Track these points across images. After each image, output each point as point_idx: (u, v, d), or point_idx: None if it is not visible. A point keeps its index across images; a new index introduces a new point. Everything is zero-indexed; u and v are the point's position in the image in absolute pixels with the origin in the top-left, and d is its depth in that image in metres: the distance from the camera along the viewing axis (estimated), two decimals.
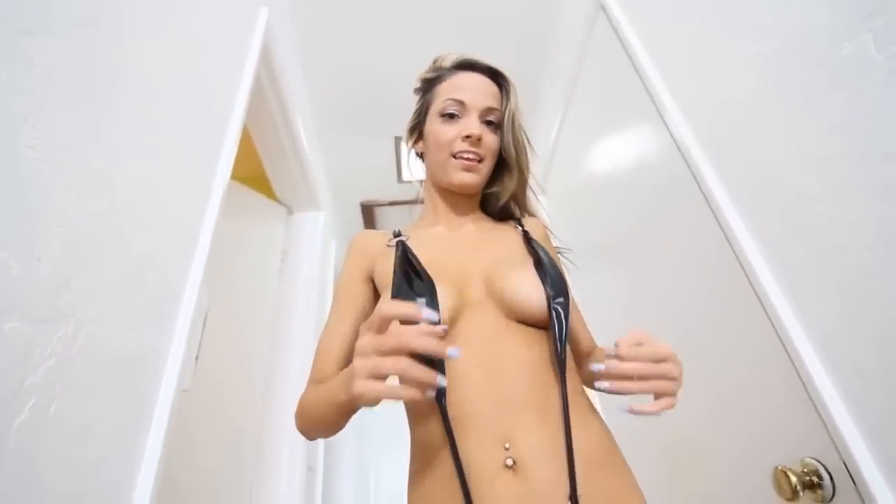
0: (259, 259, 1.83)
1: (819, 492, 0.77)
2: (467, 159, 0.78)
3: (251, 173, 1.98)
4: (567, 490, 0.55)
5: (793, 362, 0.82)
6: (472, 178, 0.80)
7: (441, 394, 0.59)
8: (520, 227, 0.86)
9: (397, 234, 0.82)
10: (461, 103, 0.80)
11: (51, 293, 0.57)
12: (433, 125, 0.83)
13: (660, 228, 1.27)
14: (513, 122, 0.82)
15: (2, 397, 0.49)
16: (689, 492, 1.16)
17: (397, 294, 0.67)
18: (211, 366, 1.50)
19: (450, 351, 0.48)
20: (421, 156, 0.91)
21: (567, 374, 0.64)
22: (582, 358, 0.81)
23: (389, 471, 2.69)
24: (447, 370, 0.60)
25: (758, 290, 0.89)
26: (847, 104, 0.72)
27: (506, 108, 0.83)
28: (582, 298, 1.79)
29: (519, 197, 0.88)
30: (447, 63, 0.87)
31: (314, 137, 2.20)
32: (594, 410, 0.69)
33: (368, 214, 2.71)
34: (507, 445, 0.57)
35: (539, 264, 0.72)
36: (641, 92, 1.30)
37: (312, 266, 1.94)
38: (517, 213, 0.90)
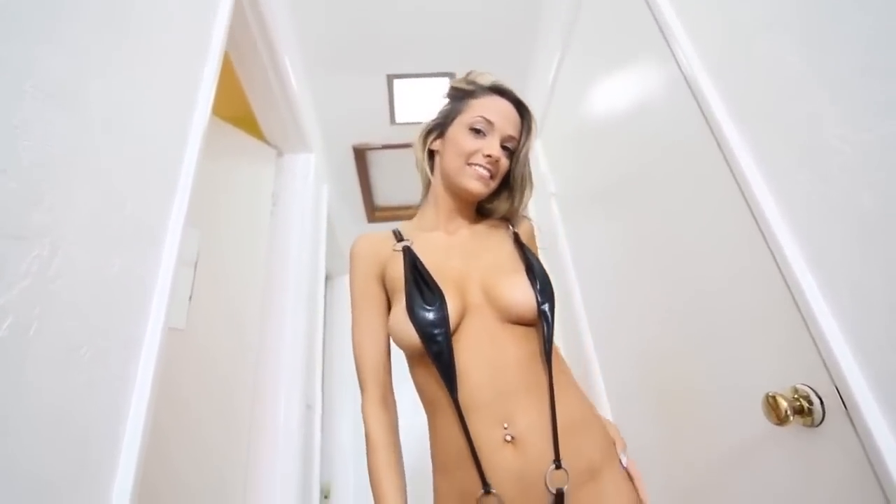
0: (250, 202, 1.80)
1: (809, 417, 0.78)
2: (481, 173, 0.88)
3: (239, 114, 1.91)
4: (552, 456, 0.71)
5: (789, 287, 0.81)
6: (481, 188, 0.89)
7: (453, 389, 0.73)
8: (511, 229, 0.96)
9: (399, 237, 0.91)
10: (490, 123, 0.89)
11: (20, 209, 0.54)
12: (459, 133, 0.91)
13: (662, 166, 1.24)
14: (525, 154, 0.94)
15: None
16: (678, 419, 1.19)
17: (412, 302, 0.77)
18: (205, 308, 1.50)
19: None
20: (431, 154, 0.98)
21: (553, 360, 0.79)
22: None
23: None
24: (456, 361, 0.74)
25: (758, 217, 0.87)
26: (864, 16, 0.68)
27: (524, 142, 0.93)
28: (580, 244, 1.80)
29: (512, 216, 0.98)
30: (483, 82, 0.95)
31: (303, 75, 2.11)
32: (574, 384, 0.84)
33: (361, 158, 2.64)
34: (505, 425, 0.71)
35: (530, 270, 0.83)
36: (647, 19, 1.23)
37: (305, 209, 1.91)
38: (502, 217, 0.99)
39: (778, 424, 0.80)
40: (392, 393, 0.86)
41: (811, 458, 0.80)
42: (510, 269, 0.85)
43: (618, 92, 1.48)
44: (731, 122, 0.96)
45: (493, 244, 0.92)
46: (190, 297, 1.47)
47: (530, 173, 0.96)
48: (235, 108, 1.91)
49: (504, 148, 0.91)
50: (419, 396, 0.82)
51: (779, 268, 0.83)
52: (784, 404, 0.79)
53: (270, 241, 1.78)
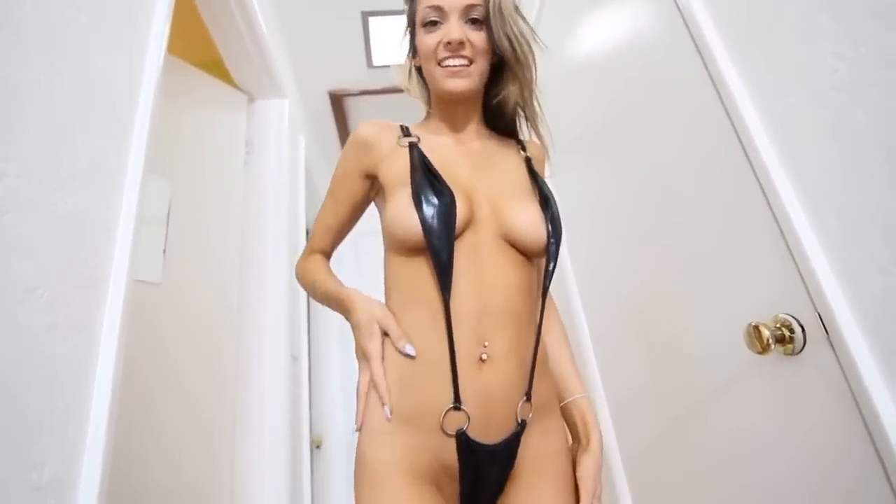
0: (222, 150, 1.72)
1: (790, 345, 0.78)
2: (452, 66, 0.77)
3: (207, 58, 1.80)
4: (525, 388, 0.70)
5: (775, 215, 0.80)
6: (461, 84, 0.78)
7: (447, 291, 0.68)
8: (523, 153, 0.88)
9: (406, 132, 0.82)
10: (439, 9, 0.78)
11: None
12: (419, 37, 0.81)
13: (649, 99, 1.19)
14: (500, 12, 0.77)
15: None
16: (662, 354, 1.21)
17: (418, 194, 0.70)
18: (182, 261, 1.46)
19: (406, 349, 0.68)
20: (420, 70, 0.88)
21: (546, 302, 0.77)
22: None
23: None
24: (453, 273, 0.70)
25: (745, 144, 0.85)
26: None
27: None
28: (565, 187, 1.77)
29: (527, 100, 0.84)
30: None
31: (272, 15, 1.98)
32: (556, 328, 0.87)
33: (338, 105, 2.53)
34: (485, 343, 0.68)
35: (545, 203, 0.78)
36: None
37: (281, 157, 1.83)
38: (522, 128, 0.90)
39: (759, 353, 0.81)
40: (329, 260, 0.89)
41: (791, 385, 0.81)
42: (523, 194, 0.80)
43: (605, 26, 1.42)
44: (723, 46, 0.91)
45: (505, 164, 0.85)
46: (164, 251, 1.42)
47: (522, 31, 0.80)
48: (203, 52, 1.80)
49: (473, 21, 0.78)
50: (390, 292, 0.76)
51: (765, 195, 0.82)
52: (766, 333, 0.79)
53: (246, 191, 1.72)
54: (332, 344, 2.60)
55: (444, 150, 0.81)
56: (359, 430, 0.68)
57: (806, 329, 0.77)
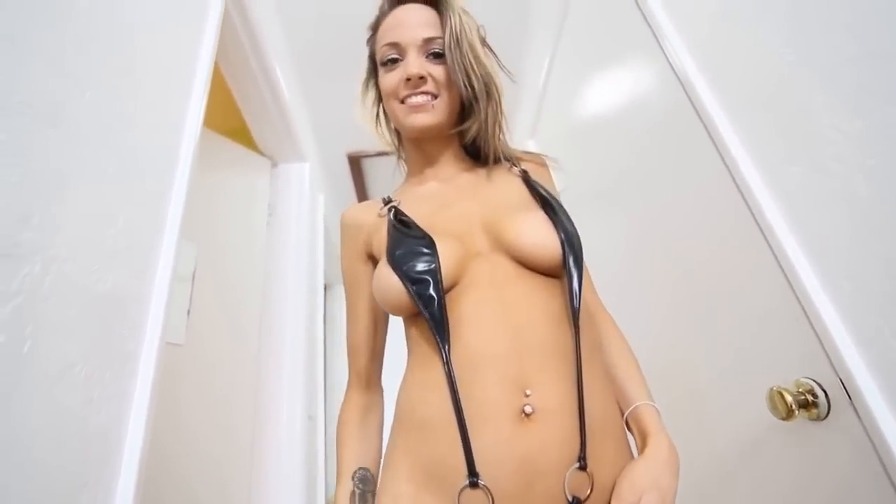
0: (245, 213, 1.79)
1: (814, 410, 0.77)
2: (414, 102, 0.71)
3: (233, 126, 1.91)
4: (577, 451, 0.54)
5: (788, 280, 0.81)
6: (425, 119, 0.72)
7: (444, 340, 0.58)
8: (516, 168, 0.80)
9: (387, 201, 0.77)
10: (396, 45, 0.73)
11: (9, 227, 0.53)
12: (381, 77, 0.76)
13: (657, 162, 1.24)
14: (457, 44, 0.70)
15: None
16: (682, 417, 1.18)
17: (394, 249, 0.64)
18: (204, 322, 1.49)
19: None
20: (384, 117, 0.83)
21: (582, 329, 0.61)
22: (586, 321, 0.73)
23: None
24: (458, 312, 0.60)
25: (754, 211, 0.87)
26: (851, 4, 0.68)
27: (446, 28, 0.71)
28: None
29: (489, 135, 0.76)
30: (382, 2, 0.79)
31: (295, 83, 2.11)
32: (606, 374, 0.67)
33: (356, 166, 2.64)
34: (528, 392, 0.55)
35: (549, 208, 0.68)
36: (635, 16, 1.23)
37: (301, 219, 1.90)
38: (494, 153, 0.80)
39: (784, 419, 0.79)
40: (377, 382, 0.79)
41: (818, 451, 0.79)
42: (522, 207, 0.70)
43: (610, 89, 1.48)
44: (724, 116, 0.96)
45: (499, 186, 0.76)
46: (188, 312, 1.46)
47: (483, 65, 0.72)
48: (229, 120, 1.91)
49: (435, 55, 0.72)
50: (409, 358, 0.68)
51: (777, 260, 0.83)
52: (789, 399, 0.78)
53: (267, 252, 1.78)
54: None
55: (430, 196, 0.76)
56: None
57: (829, 394, 0.76)
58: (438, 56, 0.72)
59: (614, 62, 1.44)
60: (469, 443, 0.53)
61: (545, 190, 0.73)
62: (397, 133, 0.84)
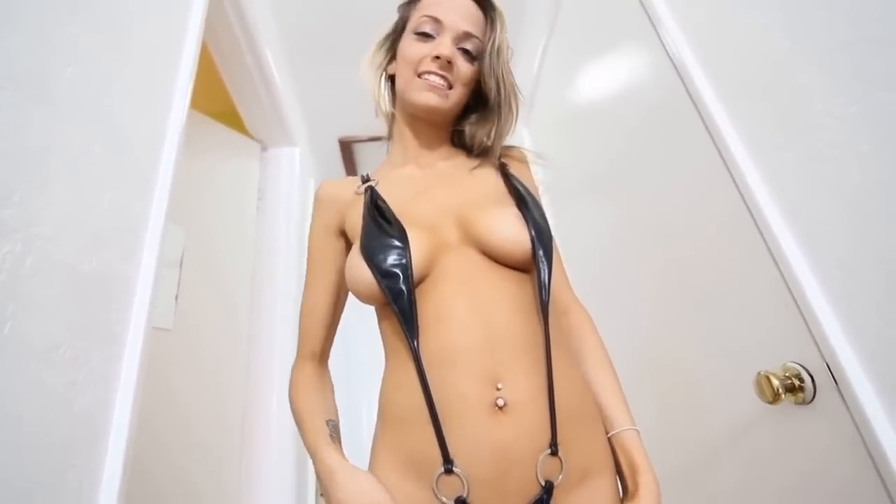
0: (235, 198, 1.77)
1: (800, 394, 0.78)
2: (432, 81, 0.72)
3: (222, 108, 1.87)
4: (548, 439, 0.56)
5: (778, 265, 0.81)
6: (436, 101, 0.72)
7: (412, 334, 0.59)
8: (497, 161, 0.80)
9: (366, 179, 0.77)
10: (437, 21, 0.74)
11: None
12: (406, 43, 0.76)
13: (651, 149, 1.23)
14: (497, 53, 0.75)
15: None
16: (670, 401, 1.19)
17: (368, 241, 0.65)
18: (193, 307, 1.48)
19: None
20: (392, 79, 0.82)
21: (551, 321, 0.63)
22: (557, 315, 0.74)
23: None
24: (428, 306, 0.61)
25: (746, 197, 0.87)
26: None
27: (490, 38, 0.75)
28: (570, 234, 1.79)
29: (494, 145, 0.78)
30: None
31: (285, 67, 2.07)
32: (575, 363, 0.70)
33: (347, 151, 2.61)
34: (499, 385, 0.56)
35: (522, 204, 0.69)
36: (630, 1, 1.22)
37: (291, 204, 1.88)
38: (486, 151, 0.81)
39: (770, 403, 0.80)
40: (327, 357, 0.77)
41: (803, 435, 0.80)
42: (496, 201, 0.71)
43: (604, 76, 1.48)
44: (718, 102, 0.95)
45: (477, 177, 0.77)
46: (176, 297, 1.45)
47: (512, 82, 0.77)
48: (218, 103, 1.87)
49: (464, 51, 0.74)
50: (383, 343, 0.69)
51: (768, 247, 0.83)
52: (776, 383, 0.79)
53: (257, 237, 1.76)
54: (338, 386, 2.58)
55: (407, 181, 0.76)
56: None
57: (815, 378, 0.77)
58: (467, 53, 0.75)
59: (609, 48, 1.43)
60: (442, 435, 0.54)
61: (522, 185, 0.74)
62: (390, 108, 0.83)
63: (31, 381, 0.55)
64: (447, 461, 0.54)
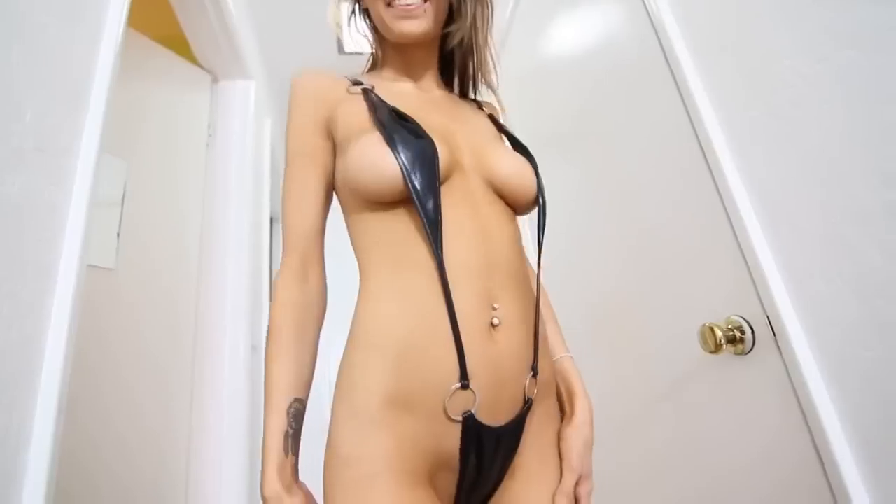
0: (183, 132, 1.65)
1: (740, 346, 0.83)
2: (404, 3, 0.68)
3: (168, 32, 1.71)
4: (531, 360, 0.61)
5: (731, 223, 0.84)
6: (414, 26, 0.69)
7: (439, 246, 0.57)
8: (483, 110, 0.82)
9: (356, 83, 0.71)
10: None
11: None
12: None
13: (618, 104, 1.22)
14: None
15: None
16: (620, 353, 1.24)
17: (390, 132, 0.59)
18: (137, 247, 1.40)
19: None
20: (367, 12, 0.77)
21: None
22: None
23: (342, 348, 2.77)
24: (443, 219, 0.58)
25: (707, 153, 0.89)
26: None
27: None
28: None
29: (477, 40, 0.75)
30: None
31: None
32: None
33: None
34: (495, 306, 0.58)
35: (522, 151, 0.72)
36: None
37: (246, 142, 1.77)
38: (475, 85, 0.82)
39: (712, 353, 0.85)
40: (319, 268, 0.67)
41: (739, 384, 0.85)
42: (498, 140, 0.73)
43: (577, 27, 1.43)
44: (690, 58, 0.94)
45: (473, 116, 0.77)
46: (118, 235, 1.36)
47: None
48: (164, 27, 1.71)
49: None
50: (367, 257, 0.63)
51: (723, 202, 0.86)
52: (719, 334, 0.83)
53: (208, 175, 1.66)
54: None
55: (407, 96, 0.73)
56: None
57: (756, 330, 0.81)
58: None
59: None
60: (463, 348, 0.54)
61: (513, 136, 0.76)
62: (374, 35, 0.79)
63: None
64: (464, 377, 0.54)
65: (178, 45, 1.71)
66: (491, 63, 0.80)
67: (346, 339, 0.60)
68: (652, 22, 1.04)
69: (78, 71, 0.79)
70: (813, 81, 0.69)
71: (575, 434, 0.63)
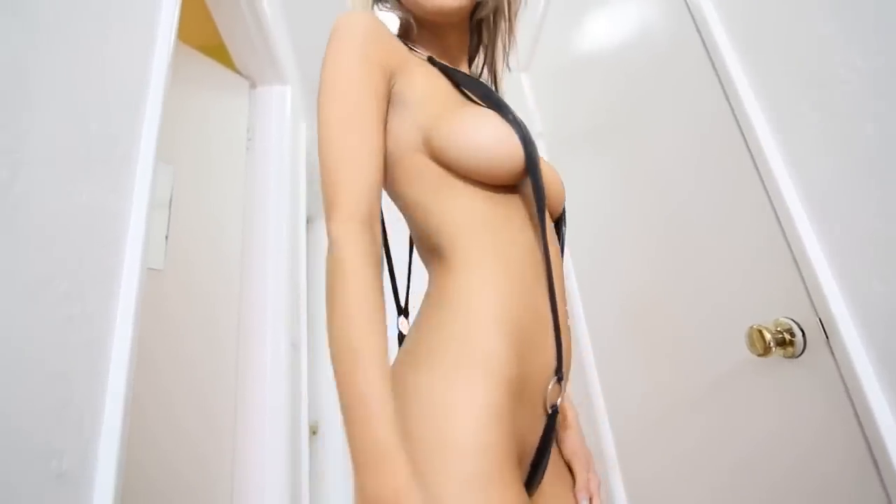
0: (224, 137, 1.70)
1: (790, 348, 0.80)
2: None
3: (208, 41, 1.77)
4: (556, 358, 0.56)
5: (780, 220, 0.81)
6: (452, 1, 0.64)
7: (544, 232, 0.55)
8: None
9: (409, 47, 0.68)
10: None
11: None
12: None
13: (656, 97, 1.20)
14: None
15: None
16: (659, 350, 1.22)
17: (506, 113, 0.56)
18: (184, 248, 1.45)
19: None
20: None
21: (553, 259, 0.59)
22: None
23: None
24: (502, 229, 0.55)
25: (752, 149, 0.86)
26: None
27: None
28: (568, 183, 1.77)
29: (509, 13, 0.73)
30: None
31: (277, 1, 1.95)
32: None
33: None
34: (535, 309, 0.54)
35: None
36: None
37: (283, 146, 1.82)
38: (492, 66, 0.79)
39: (760, 356, 0.83)
40: (380, 225, 0.54)
41: (789, 387, 0.83)
42: None
43: (613, 21, 1.41)
44: (731, 46, 0.92)
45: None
46: (167, 237, 1.42)
47: None
48: (204, 36, 1.77)
49: None
50: (455, 234, 0.55)
51: (770, 200, 0.83)
52: (768, 336, 0.81)
53: (247, 180, 1.71)
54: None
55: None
56: None
57: (806, 333, 0.79)
58: None
59: None
60: (561, 340, 0.53)
61: None
62: (404, 18, 0.73)
63: (25, 315, 0.54)
64: (560, 370, 0.53)
65: (217, 53, 1.77)
66: (512, 42, 0.77)
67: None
68: (691, 12, 1.02)
69: (133, 81, 0.83)
70: (868, 77, 0.67)
71: (576, 435, 0.64)
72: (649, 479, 1.30)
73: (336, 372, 0.43)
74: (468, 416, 0.45)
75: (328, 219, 0.49)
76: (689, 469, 1.10)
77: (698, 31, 0.99)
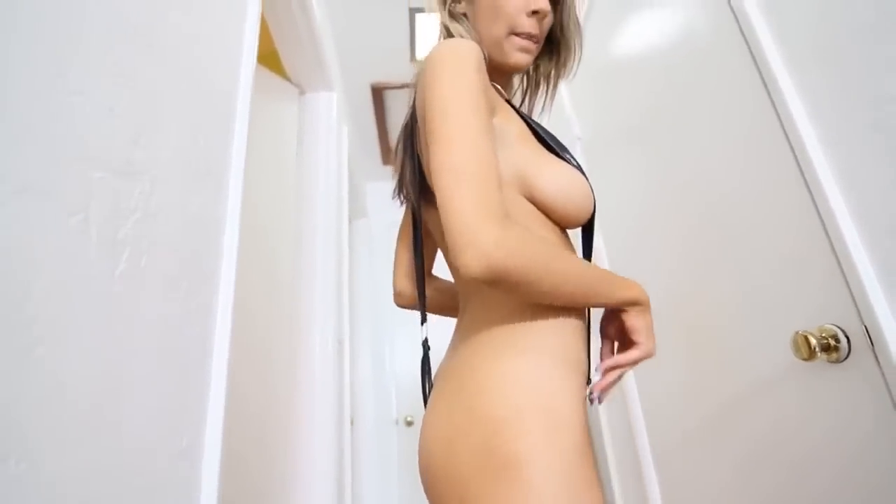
0: (276, 143, 1.79)
1: (834, 354, 0.83)
2: (526, 44, 0.69)
3: (261, 51, 1.86)
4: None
5: (826, 228, 0.84)
6: (526, 60, 0.71)
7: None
8: None
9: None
10: None
11: (125, 146, 0.56)
12: None
13: (699, 100, 1.22)
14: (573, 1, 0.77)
15: (104, 244, 0.51)
16: (703, 354, 1.25)
17: (582, 171, 0.67)
18: (241, 251, 1.53)
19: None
20: (456, 16, 0.75)
21: None
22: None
23: (402, 343, 3.00)
24: None
25: (800, 158, 0.89)
26: None
27: None
28: (606, 189, 1.80)
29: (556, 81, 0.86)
30: None
31: (323, 7, 2.03)
32: None
33: (378, 97, 2.59)
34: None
35: None
36: None
37: (329, 151, 1.90)
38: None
39: (805, 360, 0.86)
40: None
41: (832, 392, 0.85)
42: None
43: (654, 24, 1.43)
44: (781, 59, 0.94)
45: None
46: None
47: (577, 21, 0.78)
48: (259, 45, 1.86)
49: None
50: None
51: (817, 209, 0.86)
52: (813, 342, 0.84)
53: (298, 183, 1.79)
54: (364, 328, 2.74)
55: None
56: (599, 401, 0.63)
57: (851, 339, 0.82)
58: (553, 2, 0.74)
59: None
60: (590, 358, 0.66)
61: None
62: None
63: (157, 312, 0.61)
64: (590, 381, 0.64)
65: (269, 61, 1.85)
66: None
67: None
68: (736, 16, 1.04)
69: (225, 98, 0.90)
70: None
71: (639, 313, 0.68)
72: (686, 483, 1.33)
73: (562, 292, 0.56)
74: (566, 397, 0.54)
75: (486, 224, 0.50)
76: (728, 473, 1.13)
77: (744, 37, 1.02)
